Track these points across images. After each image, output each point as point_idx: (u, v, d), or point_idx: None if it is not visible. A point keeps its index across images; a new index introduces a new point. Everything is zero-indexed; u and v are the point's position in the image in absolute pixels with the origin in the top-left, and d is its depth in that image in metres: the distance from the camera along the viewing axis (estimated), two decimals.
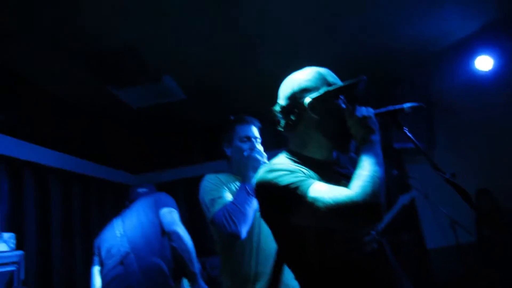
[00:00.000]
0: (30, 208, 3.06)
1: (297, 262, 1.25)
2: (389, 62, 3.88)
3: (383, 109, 1.27)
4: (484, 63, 3.85)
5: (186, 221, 4.76)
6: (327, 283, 1.18)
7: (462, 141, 4.56)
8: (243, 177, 1.88)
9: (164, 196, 2.73)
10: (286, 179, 1.14)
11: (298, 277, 1.25)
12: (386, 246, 1.24)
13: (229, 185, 1.93)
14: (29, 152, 3.14)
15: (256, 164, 1.87)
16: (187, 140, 5.07)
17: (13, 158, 2.97)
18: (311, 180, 1.14)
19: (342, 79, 1.36)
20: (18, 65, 3.01)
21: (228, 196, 1.86)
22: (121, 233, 2.47)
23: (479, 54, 3.84)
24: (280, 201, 1.15)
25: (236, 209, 1.75)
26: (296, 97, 1.29)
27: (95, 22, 2.64)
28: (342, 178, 1.26)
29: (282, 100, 1.34)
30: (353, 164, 1.29)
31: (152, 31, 2.85)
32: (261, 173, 1.22)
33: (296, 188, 1.12)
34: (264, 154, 1.94)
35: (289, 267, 1.28)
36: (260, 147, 2.00)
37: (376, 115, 1.25)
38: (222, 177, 1.97)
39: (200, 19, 2.78)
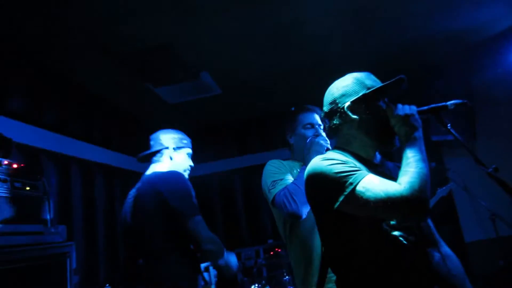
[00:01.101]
0: (77, 201, 3.25)
1: (339, 251, 1.30)
2: (429, 53, 3.81)
3: (426, 107, 1.29)
4: None
5: (221, 213, 4.95)
6: (368, 273, 1.22)
7: (503, 133, 4.40)
8: (306, 161, 1.88)
9: None
10: (340, 168, 1.21)
11: (337, 266, 1.30)
12: (429, 240, 1.27)
13: (292, 170, 1.95)
14: (75, 148, 3.32)
15: (320, 149, 1.87)
16: (223, 134, 5.15)
17: (61, 154, 3.15)
18: (364, 172, 1.21)
19: (382, 74, 1.41)
20: (63, 66, 3.16)
21: (290, 179, 1.88)
22: None
23: None
24: (333, 188, 1.21)
25: (297, 189, 1.74)
26: (336, 102, 1.39)
27: (132, 22, 2.73)
28: (386, 177, 1.27)
29: (325, 106, 1.45)
30: (392, 172, 1.36)
31: (188, 29, 2.91)
32: (314, 162, 1.29)
33: (349, 176, 1.19)
34: (328, 140, 1.94)
35: (330, 257, 1.34)
36: (323, 133, 2.01)
37: (419, 112, 1.28)
38: (286, 162, 2.00)
39: (235, 16, 2.83)
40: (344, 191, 1.18)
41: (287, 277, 3.81)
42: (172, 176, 2.01)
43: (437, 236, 1.39)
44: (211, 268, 2.73)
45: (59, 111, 3.24)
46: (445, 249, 1.35)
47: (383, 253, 1.21)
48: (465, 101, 1.25)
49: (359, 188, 1.16)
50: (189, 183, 2.02)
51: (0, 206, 1.73)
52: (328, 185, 1.22)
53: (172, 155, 2.21)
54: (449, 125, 1.25)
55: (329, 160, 1.25)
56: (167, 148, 2.20)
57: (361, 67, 1.54)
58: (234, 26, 2.95)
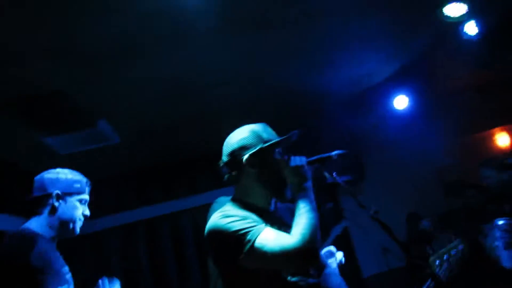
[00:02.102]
0: None
1: None
2: (316, 103, 4.19)
3: (313, 158, 1.45)
4: (400, 102, 4.29)
5: (119, 270, 4.57)
6: None
7: (388, 174, 4.94)
8: None
9: None
10: (238, 225, 1.28)
11: None
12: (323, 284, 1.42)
13: None
14: None
15: None
16: (121, 185, 4.88)
17: None
18: (260, 227, 1.28)
19: (275, 123, 1.51)
20: None
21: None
22: None
23: (397, 94, 4.26)
24: (232, 245, 1.27)
25: None
26: (235, 154, 1.47)
27: (21, 65, 2.54)
28: (281, 224, 1.40)
29: (224, 157, 1.51)
30: (290, 212, 1.44)
31: (84, 76, 2.80)
32: (214, 220, 1.34)
33: (247, 233, 1.26)
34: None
35: None
36: None
37: (308, 163, 1.42)
38: None
39: (133, 64, 2.82)
40: (244, 248, 1.24)
41: None
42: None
43: (323, 259, 1.64)
44: None
45: None
46: (326, 270, 1.60)
47: None
48: (346, 151, 1.44)
49: (257, 244, 1.24)
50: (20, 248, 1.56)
51: None
52: (228, 243, 1.28)
53: (56, 203, 1.77)
54: (334, 173, 1.40)
55: (228, 218, 1.31)
56: (49, 194, 1.77)
57: (254, 114, 1.69)
58: (132, 74, 2.93)
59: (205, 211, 4.53)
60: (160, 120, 3.77)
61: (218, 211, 1.40)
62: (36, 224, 1.73)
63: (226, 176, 1.52)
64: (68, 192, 1.81)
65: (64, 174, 1.87)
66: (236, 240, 1.25)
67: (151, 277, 4.60)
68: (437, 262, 1.83)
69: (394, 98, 4.30)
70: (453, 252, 1.86)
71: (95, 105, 3.19)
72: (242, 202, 1.46)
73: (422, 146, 4.91)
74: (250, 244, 1.23)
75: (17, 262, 1.51)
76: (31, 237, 1.60)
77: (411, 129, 4.67)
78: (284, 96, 3.90)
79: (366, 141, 4.65)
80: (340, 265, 1.71)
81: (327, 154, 1.42)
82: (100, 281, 2.32)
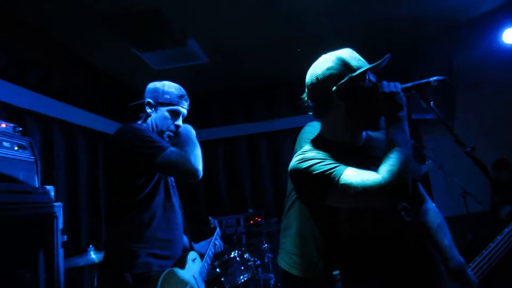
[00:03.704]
0: (60, 163, 3.24)
1: (329, 236, 1.38)
2: (411, 31, 3.84)
3: (410, 84, 1.32)
4: (510, 36, 3.78)
5: (202, 181, 4.99)
6: (351, 255, 1.32)
7: (483, 113, 4.55)
8: None
9: None
10: (318, 168, 1.24)
11: (328, 250, 1.42)
12: (412, 225, 1.33)
13: None
14: (58, 109, 3.28)
15: None
16: (208, 103, 5.13)
17: (44, 115, 3.11)
18: (341, 167, 1.23)
19: (365, 50, 1.40)
20: (47, 25, 3.07)
21: None
22: None
23: (507, 27, 3.76)
24: (315, 188, 1.25)
25: None
26: (322, 85, 1.33)
27: None
28: (373, 159, 1.32)
29: (309, 88, 1.39)
30: (377, 149, 1.39)
31: None
32: (294, 163, 1.31)
33: (328, 175, 1.21)
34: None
35: (324, 240, 1.43)
36: None
37: (403, 89, 1.30)
38: None
39: None
40: (327, 190, 1.21)
41: (266, 245, 3.94)
42: (120, 129, 1.80)
43: (423, 193, 1.54)
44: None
45: (41, 71, 3.16)
46: (425, 205, 1.52)
47: (369, 238, 1.29)
48: (447, 77, 1.28)
49: (339, 184, 1.19)
50: (142, 129, 1.77)
51: None
52: (310, 187, 1.26)
53: (149, 111, 1.91)
54: (431, 102, 1.30)
55: (307, 161, 1.27)
56: (144, 101, 1.91)
57: (344, 42, 1.50)
58: None
59: (281, 136, 4.78)
60: (246, 43, 3.77)
61: (297, 153, 1.35)
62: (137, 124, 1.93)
63: (311, 110, 1.41)
64: (159, 102, 1.92)
65: (162, 85, 1.96)
66: (319, 183, 1.22)
67: (227, 191, 4.98)
68: None
69: (502, 31, 3.80)
70: None
71: (187, 24, 3.28)
72: (326, 141, 1.37)
73: None
74: (333, 185, 1.19)
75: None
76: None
77: None
78: (377, 25, 3.63)
79: (464, 77, 4.26)
80: None
81: (425, 80, 1.27)
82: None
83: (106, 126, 3.95)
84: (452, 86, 4.01)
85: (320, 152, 1.31)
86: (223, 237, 4.51)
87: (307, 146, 1.38)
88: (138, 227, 1.69)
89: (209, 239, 2.36)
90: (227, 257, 3.48)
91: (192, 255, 2.02)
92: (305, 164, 1.26)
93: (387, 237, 1.27)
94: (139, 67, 3.91)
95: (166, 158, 1.66)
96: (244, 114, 5.05)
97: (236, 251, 3.55)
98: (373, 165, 1.26)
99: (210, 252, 2.25)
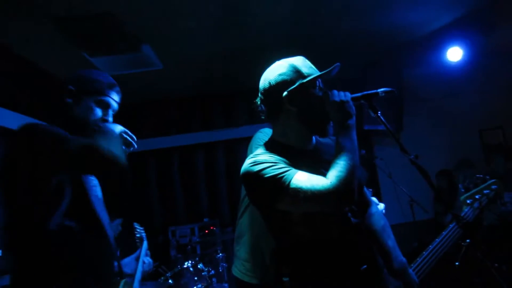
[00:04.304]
0: None
1: (281, 239, 1.40)
2: (364, 45, 3.99)
3: (359, 94, 1.37)
4: (454, 54, 4.03)
5: (157, 190, 4.87)
6: (301, 258, 1.34)
7: (428, 125, 4.81)
8: None
9: None
10: (270, 171, 1.25)
11: (280, 254, 1.42)
12: (358, 228, 1.39)
13: None
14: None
15: None
16: (162, 110, 5.04)
17: None
18: (292, 171, 1.25)
19: (319, 60, 1.44)
20: None
21: None
22: None
23: (450, 46, 4.01)
24: (266, 191, 1.26)
25: None
26: (274, 90, 1.36)
27: None
28: (322, 163, 1.36)
29: (262, 93, 1.42)
30: (326, 153, 1.44)
31: None
32: (246, 166, 1.32)
33: (279, 179, 1.23)
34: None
35: (276, 244, 1.44)
36: None
37: (353, 99, 1.34)
38: None
39: None
40: (277, 194, 1.23)
41: (220, 254, 3.90)
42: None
43: (368, 198, 1.59)
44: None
45: None
46: (370, 208, 1.56)
47: (318, 240, 1.32)
48: (393, 89, 1.35)
49: (290, 189, 1.21)
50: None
51: None
52: (262, 189, 1.28)
53: (72, 102, 1.57)
54: (379, 112, 1.35)
55: (260, 165, 1.28)
56: (70, 90, 1.56)
57: (299, 52, 1.53)
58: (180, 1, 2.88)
59: (238, 144, 4.77)
60: (203, 50, 3.75)
61: (250, 156, 1.37)
62: None
63: (263, 115, 1.43)
64: (84, 91, 1.59)
65: (89, 72, 1.67)
66: (270, 187, 1.24)
67: (183, 200, 4.89)
68: (469, 201, 1.80)
69: (447, 49, 4.06)
70: (486, 191, 1.81)
71: (141, 29, 3.20)
72: (277, 144, 1.40)
73: (467, 104, 4.73)
74: (283, 189, 1.21)
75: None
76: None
77: (461, 84, 4.45)
78: (332, 37, 3.74)
79: (412, 90, 4.49)
80: None
81: (373, 91, 1.33)
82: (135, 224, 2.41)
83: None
84: (399, 98, 4.22)
85: (272, 155, 1.33)
86: (176, 248, 4.44)
87: (259, 150, 1.39)
88: None
89: (134, 255, 2.09)
90: (180, 268, 3.41)
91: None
92: (256, 168, 1.27)
93: (336, 240, 1.31)
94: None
95: None
96: (201, 122, 4.99)
97: (190, 261, 3.49)
98: (322, 168, 1.30)
99: (139, 275, 2.00)
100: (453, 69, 4.24)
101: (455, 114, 4.77)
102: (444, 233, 1.69)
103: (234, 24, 3.32)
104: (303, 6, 3.15)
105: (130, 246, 2.29)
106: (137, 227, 2.52)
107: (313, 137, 1.46)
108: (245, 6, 3.05)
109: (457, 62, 4.10)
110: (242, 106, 4.95)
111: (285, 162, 1.30)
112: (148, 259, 2.14)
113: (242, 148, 4.80)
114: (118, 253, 1.69)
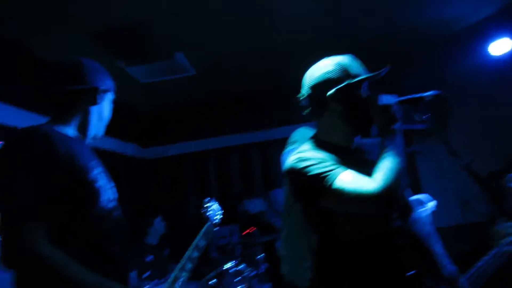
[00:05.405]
0: None
1: (321, 239, 1.36)
2: (402, 42, 3.86)
3: (404, 97, 1.33)
4: (498, 47, 3.80)
5: (194, 192, 4.95)
6: (343, 259, 1.31)
7: (475, 126, 4.55)
8: None
9: None
10: (315, 169, 1.24)
11: (321, 254, 1.36)
12: (402, 232, 1.35)
13: None
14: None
15: None
16: (195, 115, 5.10)
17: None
18: (338, 170, 1.23)
19: (358, 57, 1.40)
20: (28, 40, 3.01)
21: None
22: None
23: (494, 38, 3.77)
24: (310, 189, 1.26)
25: None
26: (319, 88, 1.37)
27: None
28: (364, 163, 1.33)
29: (306, 89, 1.42)
30: (374, 148, 1.38)
31: (163, 7, 2.82)
32: (291, 161, 1.32)
33: (324, 178, 1.22)
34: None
35: (317, 243, 1.38)
36: None
37: (399, 103, 1.31)
38: None
39: None
40: (321, 192, 1.23)
41: (261, 255, 3.90)
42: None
43: (411, 203, 1.52)
44: None
45: (29, 88, 3.08)
46: (415, 214, 1.49)
47: (361, 241, 1.28)
48: (440, 92, 1.30)
49: (335, 188, 1.20)
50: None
51: None
52: (306, 186, 1.27)
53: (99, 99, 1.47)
54: (425, 116, 1.29)
55: (305, 161, 1.27)
56: (93, 87, 1.45)
57: (333, 51, 1.52)
58: (208, 6, 2.88)
59: (273, 146, 4.74)
60: (234, 52, 3.74)
61: (295, 152, 1.36)
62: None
63: (306, 111, 1.44)
64: (104, 89, 1.54)
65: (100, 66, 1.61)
66: (314, 184, 1.23)
67: (219, 202, 4.93)
68: None
69: (492, 42, 3.83)
70: None
71: (173, 38, 3.25)
72: (322, 142, 1.39)
73: None
74: (327, 188, 1.21)
75: None
76: None
77: (510, 78, 4.18)
78: (366, 36, 3.63)
79: (455, 88, 4.27)
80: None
81: (420, 94, 1.29)
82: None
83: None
84: (445, 100, 4.03)
85: (318, 151, 1.33)
86: (217, 248, 4.49)
87: (305, 146, 1.39)
88: None
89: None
90: (221, 269, 3.45)
91: None
92: (301, 164, 1.27)
93: (379, 243, 1.29)
94: (124, 80, 3.84)
95: None
96: (235, 125, 5.01)
97: (231, 262, 3.52)
98: (366, 168, 1.28)
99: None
100: (499, 62, 3.99)
101: (504, 110, 4.48)
102: (503, 243, 1.59)
103: (265, 25, 3.29)
104: (335, 3, 3.08)
105: None
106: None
107: (356, 139, 1.44)
108: (274, 6, 3.01)
109: (504, 54, 3.85)
110: (275, 108, 4.92)
111: (331, 159, 1.29)
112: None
113: (276, 150, 4.77)
114: None
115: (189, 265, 2.00)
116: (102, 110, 1.50)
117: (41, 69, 3.19)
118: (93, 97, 1.44)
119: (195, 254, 2.05)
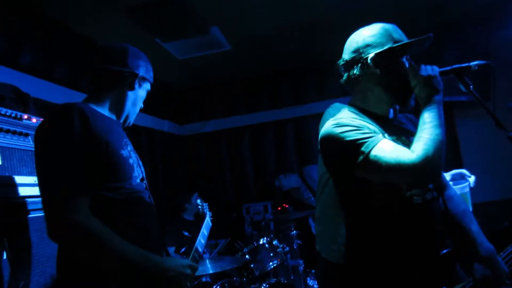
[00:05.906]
0: None
1: (353, 206, 1.35)
2: (446, 10, 3.66)
3: (448, 68, 1.27)
4: None
5: (229, 169, 5.04)
6: (373, 227, 1.30)
7: None
8: None
9: None
10: (352, 135, 1.21)
11: (350, 221, 1.36)
12: (437, 202, 1.32)
13: None
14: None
15: None
16: (230, 91, 5.13)
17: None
18: (377, 137, 1.20)
19: (402, 29, 1.35)
20: (71, 19, 3.10)
21: None
22: None
23: None
24: (346, 155, 1.22)
25: None
26: (360, 51, 1.32)
27: None
28: (401, 132, 1.31)
29: (346, 54, 1.38)
30: (409, 122, 1.37)
31: None
32: (327, 127, 1.28)
33: (362, 144, 1.19)
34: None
35: (346, 211, 1.38)
36: None
37: (441, 73, 1.25)
38: None
39: None
40: (358, 159, 1.19)
41: (294, 231, 3.94)
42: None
43: (445, 180, 1.50)
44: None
45: (69, 66, 3.20)
46: (448, 191, 1.48)
47: (395, 213, 1.26)
48: (489, 62, 1.23)
49: (372, 156, 1.17)
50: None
51: (23, 159, 1.76)
52: (342, 153, 1.24)
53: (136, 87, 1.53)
54: (471, 86, 1.24)
55: (343, 127, 1.24)
56: (135, 73, 1.50)
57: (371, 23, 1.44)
58: None
59: (308, 122, 4.71)
60: (270, 28, 3.70)
61: (333, 118, 1.32)
62: None
63: (344, 76, 1.38)
64: (144, 78, 1.58)
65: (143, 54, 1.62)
66: (351, 151, 1.20)
67: (253, 178, 4.99)
68: None
69: None
70: None
71: (209, 12, 3.23)
72: (360, 109, 1.35)
73: None
74: (364, 155, 1.17)
75: None
76: None
77: None
78: (406, 6, 3.47)
79: (502, 56, 4.03)
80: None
81: (465, 64, 1.22)
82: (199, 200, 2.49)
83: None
84: (493, 70, 3.83)
85: (356, 118, 1.30)
86: (252, 224, 4.58)
87: (343, 113, 1.36)
88: None
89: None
90: (256, 244, 3.50)
91: None
92: (339, 130, 1.24)
93: (412, 218, 1.27)
94: (161, 57, 3.90)
95: None
96: (270, 101, 5.00)
97: (265, 238, 3.56)
98: (405, 137, 1.27)
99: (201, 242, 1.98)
100: None
101: None
102: None
103: (294, 4, 3.22)
104: None
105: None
106: (199, 203, 2.61)
107: (393, 109, 1.40)
108: None
109: None
110: (311, 83, 4.85)
111: (369, 128, 1.26)
112: (206, 231, 2.19)
113: (312, 125, 4.74)
114: None
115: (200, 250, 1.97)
116: (137, 97, 1.55)
117: (80, 47, 3.30)
118: (131, 82, 1.50)
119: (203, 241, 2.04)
